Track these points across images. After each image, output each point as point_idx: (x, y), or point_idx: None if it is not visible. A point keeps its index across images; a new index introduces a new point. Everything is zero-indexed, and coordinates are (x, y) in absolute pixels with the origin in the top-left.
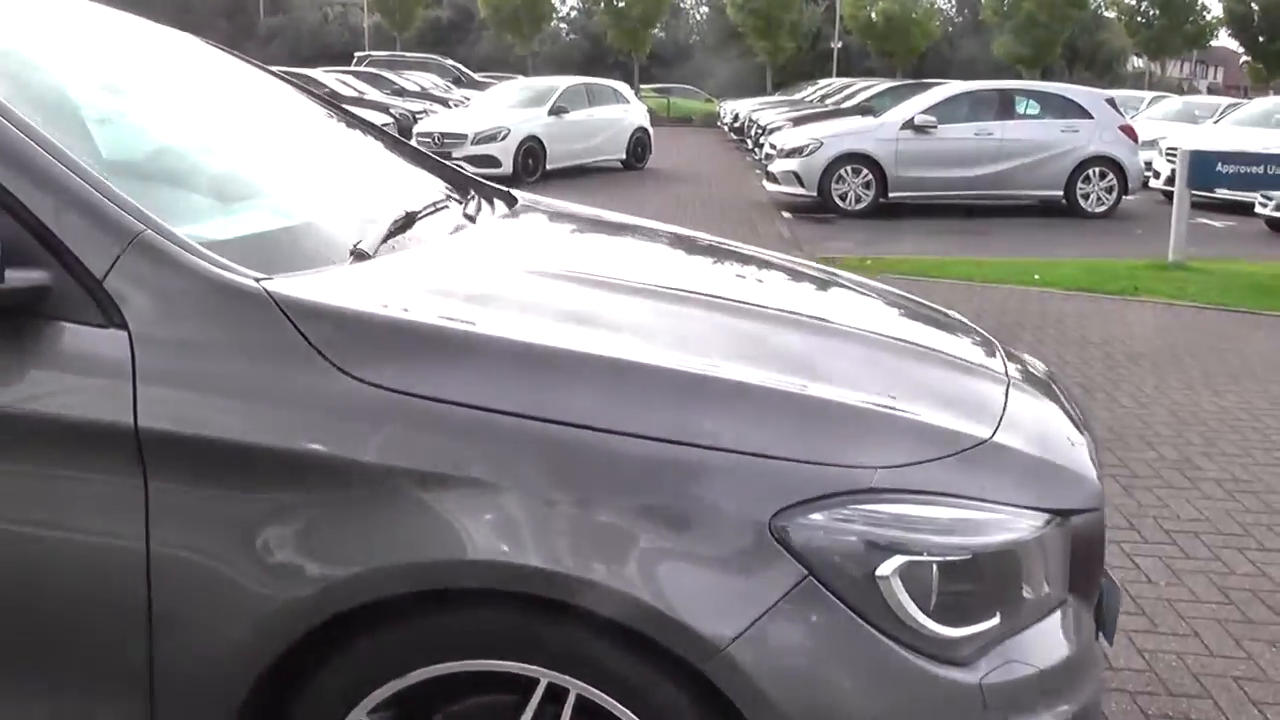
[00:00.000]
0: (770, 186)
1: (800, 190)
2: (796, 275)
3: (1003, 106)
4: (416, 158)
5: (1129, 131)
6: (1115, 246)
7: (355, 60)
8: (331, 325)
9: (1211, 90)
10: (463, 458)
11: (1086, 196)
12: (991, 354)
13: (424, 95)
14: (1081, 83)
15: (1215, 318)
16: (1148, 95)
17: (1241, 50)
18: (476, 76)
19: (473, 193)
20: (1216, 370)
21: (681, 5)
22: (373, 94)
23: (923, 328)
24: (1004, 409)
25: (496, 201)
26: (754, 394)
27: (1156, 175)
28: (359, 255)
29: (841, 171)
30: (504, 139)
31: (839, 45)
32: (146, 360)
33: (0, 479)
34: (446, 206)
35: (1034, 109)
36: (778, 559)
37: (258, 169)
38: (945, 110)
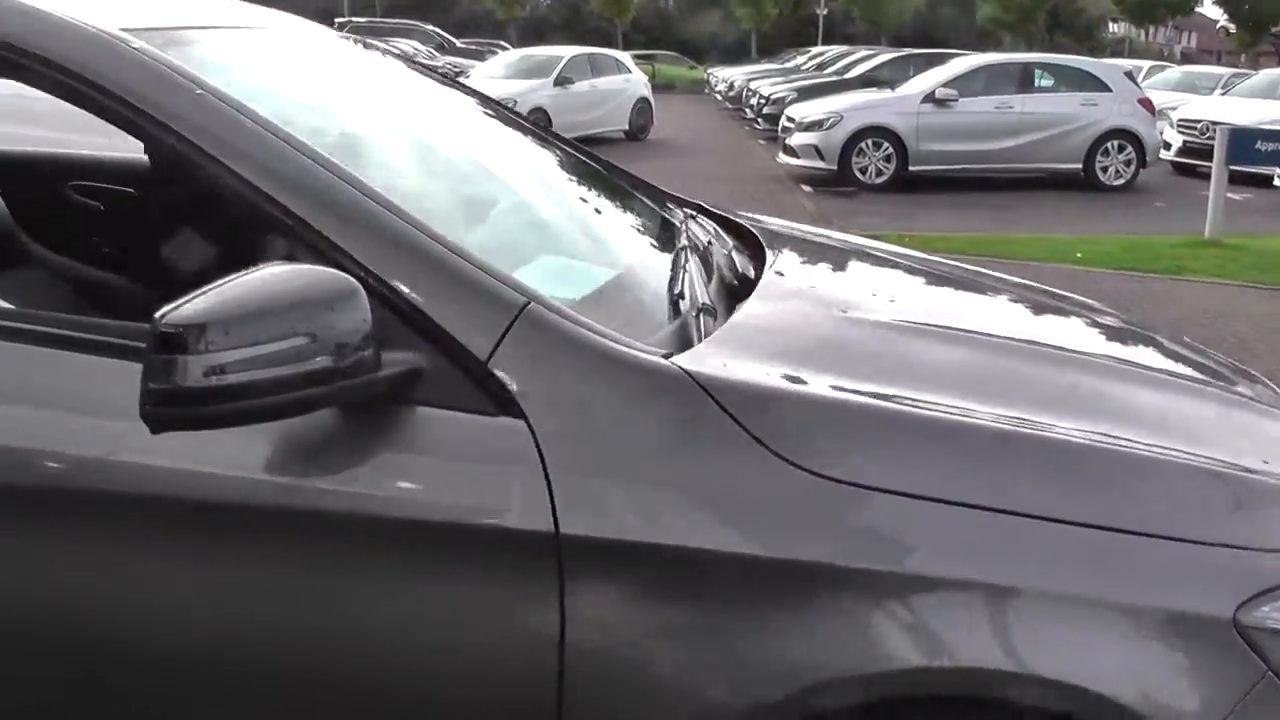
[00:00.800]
0: (788, 160)
1: (820, 164)
2: (1071, 309)
3: (1023, 80)
4: (637, 184)
5: (1147, 104)
6: (1142, 221)
7: (335, 25)
8: (768, 410)
9: (1185, 55)
10: (928, 555)
11: (1105, 169)
12: (1262, 389)
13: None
14: (1061, 49)
15: (1262, 296)
16: (1145, 65)
17: (1225, 17)
18: (458, 43)
19: (712, 224)
20: None
21: None
22: None
23: (1200, 364)
24: None
25: (740, 233)
26: (1184, 472)
27: (1167, 147)
28: (708, 312)
29: (862, 145)
30: None
31: (824, 12)
32: (556, 455)
33: (362, 587)
34: (713, 243)
35: (1053, 82)
36: (1240, 655)
37: (537, 211)
38: (965, 83)
